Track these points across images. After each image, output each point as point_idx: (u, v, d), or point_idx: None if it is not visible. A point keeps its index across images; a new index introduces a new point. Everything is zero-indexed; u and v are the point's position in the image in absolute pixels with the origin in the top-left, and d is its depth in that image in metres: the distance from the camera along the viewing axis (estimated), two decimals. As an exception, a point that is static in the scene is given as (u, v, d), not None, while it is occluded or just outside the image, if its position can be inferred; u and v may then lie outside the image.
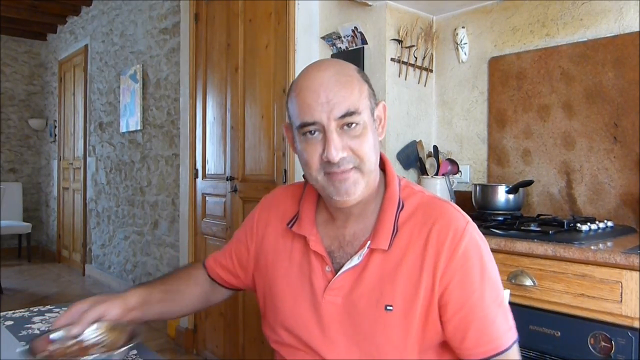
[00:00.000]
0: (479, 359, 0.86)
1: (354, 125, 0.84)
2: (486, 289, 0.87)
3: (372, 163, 0.87)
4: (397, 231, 0.90)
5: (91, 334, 0.85)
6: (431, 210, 0.91)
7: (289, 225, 0.99)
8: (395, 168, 2.32)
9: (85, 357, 0.77)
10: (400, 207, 0.92)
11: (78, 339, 0.84)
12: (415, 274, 0.87)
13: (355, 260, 0.90)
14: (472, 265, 0.87)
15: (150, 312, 1.00)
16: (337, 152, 0.83)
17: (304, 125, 0.85)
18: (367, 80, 0.91)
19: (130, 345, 0.78)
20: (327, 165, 0.85)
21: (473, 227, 0.90)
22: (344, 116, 0.83)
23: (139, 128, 4.40)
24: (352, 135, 0.85)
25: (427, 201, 0.93)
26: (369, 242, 0.90)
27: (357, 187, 0.86)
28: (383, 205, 0.93)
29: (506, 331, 0.87)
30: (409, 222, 0.91)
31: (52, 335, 0.85)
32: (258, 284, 1.06)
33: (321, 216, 0.98)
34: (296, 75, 1.14)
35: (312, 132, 0.85)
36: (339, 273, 0.91)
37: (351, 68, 0.90)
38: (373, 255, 0.90)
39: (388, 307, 0.87)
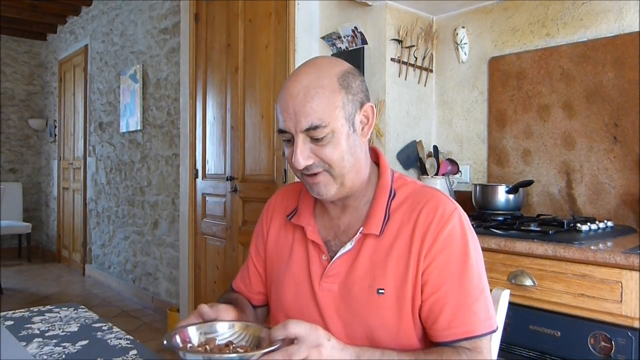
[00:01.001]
0: (447, 340, 0.87)
1: (320, 135, 0.88)
2: (467, 275, 0.88)
3: (344, 167, 0.90)
4: (388, 218, 0.93)
5: (226, 332, 0.84)
6: (421, 196, 0.94)
7: (289, 218, 1.04)
8: (395, 168, 2.31)
9: (237, 355, 0.75)
10: (392, 196, 0.96)
11: (211, 336, 0.83)
12: (404, 257, 0.90)
13: (348, 246, 0.94)
14: (454, 249, 0.89)
15: None
16: (302, 160, 0.88)
17: (279, 131, 0.92)
18: (347, 87, 0.89)
19: (277, 346, 0.74)
20: (297, 169, 0.91)
21: (461, 214, 0.92)
22: (308, 129, 0.87)
23: (139, 128, 4.40)
24: (319, 145, 0.89)
25: (419, 189, 0.97)
26: (361, 228, 0.94)
27: (329, 188, 0.91)
28: (375, 194, 0.97)
29: (482, 320, 0.87)
30: (400, 209, 0.94)
31: (190, 333, 0.83)
32: (268, 283, 1.09)
33: (319, 208, 1.02)
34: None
35: (287, 137, 0.91)
36: (333, 260, 0.95)
37: (329, 75, 0.89)
38: (365, 241, 0.93)
39: (380, 291, 0.90)
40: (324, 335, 0.76)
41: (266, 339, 0.78)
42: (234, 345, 0.81)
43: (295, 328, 0.74)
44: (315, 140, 0.88)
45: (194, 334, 0.83)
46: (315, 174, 0.90)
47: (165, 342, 0.77)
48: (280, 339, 0.74)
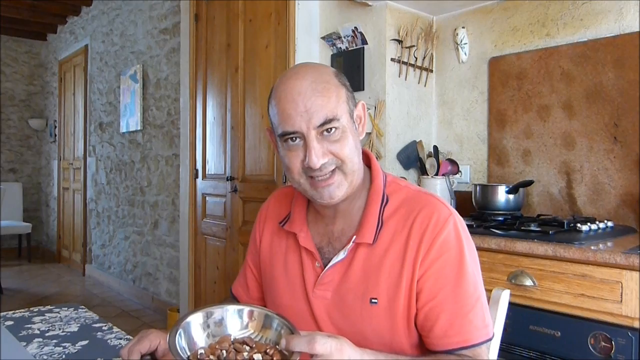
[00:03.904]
0: (443, 350, 0.86)
1: (333, 130, 0.86)
2: (462, 283, 0.87)
3: (355, 163, 0.90)
4: (382, 225, 0.92)
5: (242, 333, 0.79)
6: (415, 203, 0.92)
7: (282, 224, 1.02)
8: (395, 168, 2.30)
9: None
10: (385, 202, 0.94)
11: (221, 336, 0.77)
12: (398, 266, 0.88)
13: (341, 255, 0.92)
14: (450, 257, 0.87)
15: None
16: (317, 159, 0.85)
17: (285, 134, 0.87)
18: (344, 84, 0.91)
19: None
20: (309, 170, 0.87)
21: (457, 219, 0.90)
22: (323, 124, 0.85)
23: (139, 128, 4.40)
24: (331, 140, 0.87)
25: (412, 195, 0.94)
26: (354, 236, 0.92)
27: (341, 189, 0.89)
28: (368, 201, 0.95)
29: (478, 328, 0.86)
30: (394, 216, 0.92)
31: (194, 332, 0.76)
32: (264, 289, 1.08)
33: (312, 214, 1.01)
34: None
35: (294, 139, 0.87)
36: (326, 268, 0.93)
37: (328, 73, 0.90)
38: (359, 249, 0.92)
39: (373, 300, 0.89)
40: (349, 353, 0.72)
41: (282, 346, 0.72)
42: (253, 344, 0.74)
43: (322, 347, 0.69)
44: (327, 137, 0.86)
45: (200, 337, 0.76)
46: (328, 175, 0.87)
47: (169, 345, 0.71)
48: (298, 352, 0.70)
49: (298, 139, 0.87)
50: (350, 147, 0.88)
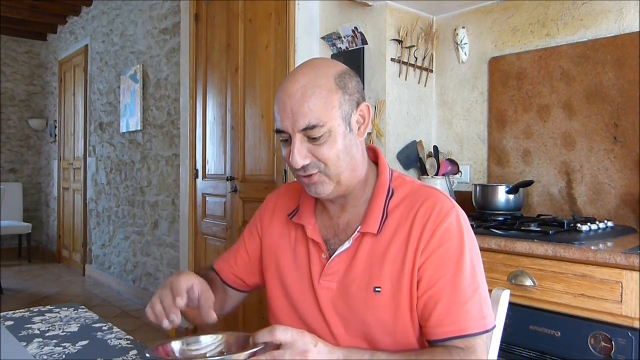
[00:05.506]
0: (439, 338, 0.87)
1: (317, 134, 0.89)
2: (462, 273, 0.88)
3: (340, 166, 0.91)
4: (386, 216, 0.94)
5: (211, 344, 0.83)
6: (419, 195, 0.95)
7: (290, 217, 1.05)
8: (395, 168, 2.31)
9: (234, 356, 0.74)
10: (391, 195, 0.97)
11: (201, 351, 0.82)
12: (401, 255, 0.91)
13: (346, 245, 0.95)
14: (450, 246, 0.89)
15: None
16: (299, 159, 0.89)
17: (277, 130, 0.93)
18: (343, 86, 0.91)
19: (258, 348, 0.74)
20: (294, 168, 0.91)
21: (459, 212, 0.93)
22: (305, 129, 0.88)
23: (139, 128, 4.40)
24: (316, 144, 0.89)
25: (417, 188, 0.97)
26: (359, 226, 0.95)
27: (325, 187, 0.92)
28: (374, 193, 0.97)
29: (476, 319, 0.87)
30: (399, 208, 0.95)
31: (173, 346, 0.81)
32: (266, 278, 1.09)
33: (319, 207, 1.03)
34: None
35: (284, 136, 0.92)
36: (331, 258, 0.96)
37: (326, 76, 0.90)
38: (364, 239, 0.94)
39: (377, 289, 0.91)
40: (310, 341, 0.76)
41: (251, 344, 0.77)
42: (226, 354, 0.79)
43: (282, 335, 0.74)
44: (312, 140, 0.89)
45: (177, 348, 0.81)
46: (310, 175, 0.91)
47: (147, 354, 0.75)
48: (263, 342, 0.74)
49: (287, 137, 0.91)
50: (336, 150, 0.90)
